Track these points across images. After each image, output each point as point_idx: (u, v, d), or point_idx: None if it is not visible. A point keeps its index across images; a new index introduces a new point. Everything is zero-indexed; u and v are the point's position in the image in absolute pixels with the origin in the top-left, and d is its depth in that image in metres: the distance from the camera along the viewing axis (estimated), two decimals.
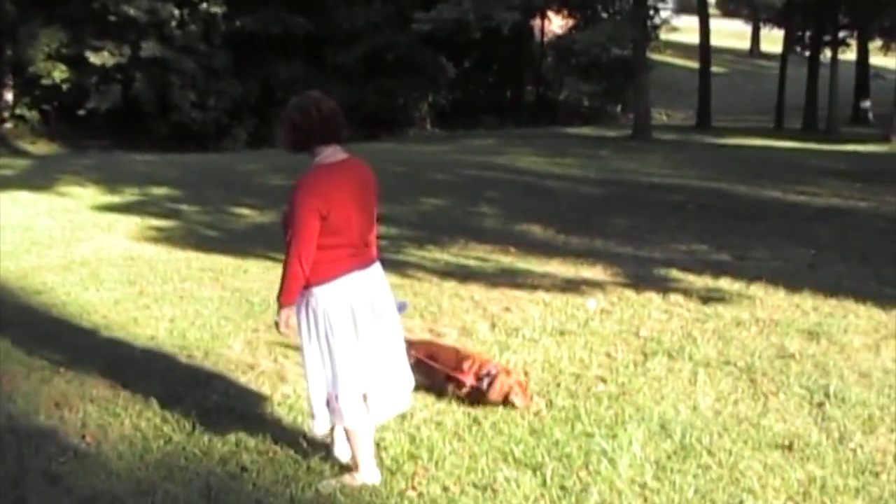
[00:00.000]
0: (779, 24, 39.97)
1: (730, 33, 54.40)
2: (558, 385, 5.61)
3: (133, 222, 11.80)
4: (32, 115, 32.52)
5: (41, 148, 31.00)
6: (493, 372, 5.20)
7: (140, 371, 5.86)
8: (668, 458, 4.57)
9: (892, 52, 38.20)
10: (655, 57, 37.45)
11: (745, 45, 56.64)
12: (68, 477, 4.41)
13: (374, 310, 4.19)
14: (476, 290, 8.00)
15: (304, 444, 4.72)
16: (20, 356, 6.16)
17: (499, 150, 22.09)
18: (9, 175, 16.99)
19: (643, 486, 4.29)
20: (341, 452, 4.47)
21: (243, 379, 5.78)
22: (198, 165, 19.33)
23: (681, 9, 45.78)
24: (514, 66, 39.61)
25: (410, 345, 5.59)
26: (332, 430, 4.47)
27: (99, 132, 31.41)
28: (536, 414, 5.11)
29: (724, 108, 35.98)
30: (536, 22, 38.11)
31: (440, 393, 5.32)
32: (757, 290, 7.93)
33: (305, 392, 4.40)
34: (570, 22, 36.99)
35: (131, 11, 30.24)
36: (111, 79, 31.29)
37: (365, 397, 4.21)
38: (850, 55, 34.94)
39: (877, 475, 4.41)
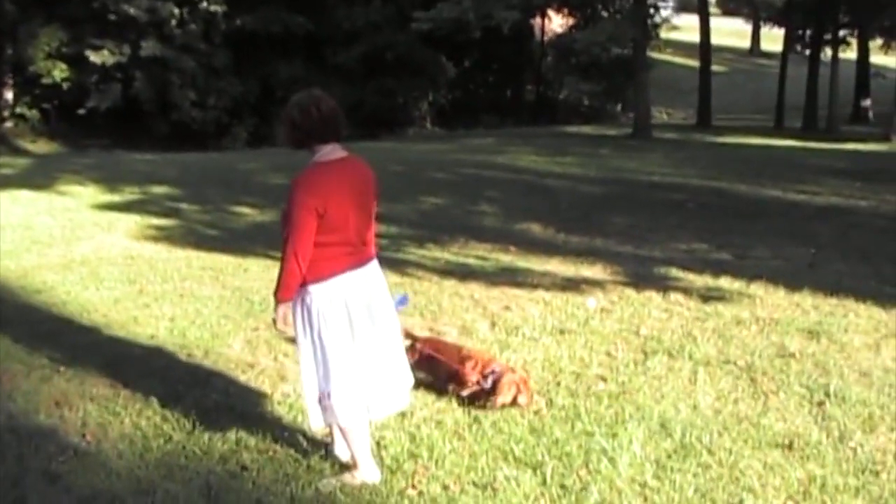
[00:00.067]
0: (779, 23, 39.92)
1: (730, 32, 54.37)
2: (558, 384, 5.61)
3: (133, 221, 11.80)
4: (32, 114, 32.52)
5: (41, 147, 30.99)
6: (497, 370, 5.20)
7: (140, 370, 5.86)
8: (669, 456, 4.57)
9: (893, 50, 38.13)
10: (655, 56, 37.47)
11: (745, 43, 56.61)
12: (68, 476, 4.41)
13: (370, 309, 4.20)
14: (476, 289, 8.00)
15: (304, 443, 4.72)
16: (20, 355, 6.16)
17: (499, 150, 22.09)
18: (9, 174, 16.99)
19: (643, 484, 4.29)
20: (341, 451, 4.47)
21: (243, 378, 5.78)
22: (198, 164, 19.33)
23: (681, 7, 45.81)
24: (514, 66, 39.58)
25: (415, 339, 5.62)
26: (331, 428, 4.47)
27: (99, 131, 31.40)
28: (536, 413, 5.11)
29: (724, 106, 35.97)
30: (536, 21, 38.09)
31: (441, 391, 5.32)
32: (757, 288, 7.93)
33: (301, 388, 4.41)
34: (571, 21, 36.99)
35: (131, 10, 30.23)
36: (111, 78, 31.28)
37: (359, 396, 4.21)
38: (850, 54, 34.91)
39: (877, 474, 4.42)
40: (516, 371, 5.30)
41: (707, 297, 7.68)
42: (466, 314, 7.22)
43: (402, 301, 4.75)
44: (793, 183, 15.13)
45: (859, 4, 30.40)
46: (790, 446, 4.71)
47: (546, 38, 39.46)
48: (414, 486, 4.27)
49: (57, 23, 30.92)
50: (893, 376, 5.77)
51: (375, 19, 32.67)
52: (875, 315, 7.14)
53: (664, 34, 37.72)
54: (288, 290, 4.11)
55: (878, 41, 37.83)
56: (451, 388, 5.28)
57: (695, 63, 35.50)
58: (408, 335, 5.57)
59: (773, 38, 47.65)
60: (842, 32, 33.30)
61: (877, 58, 37.91)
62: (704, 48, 32.92)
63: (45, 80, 31.15)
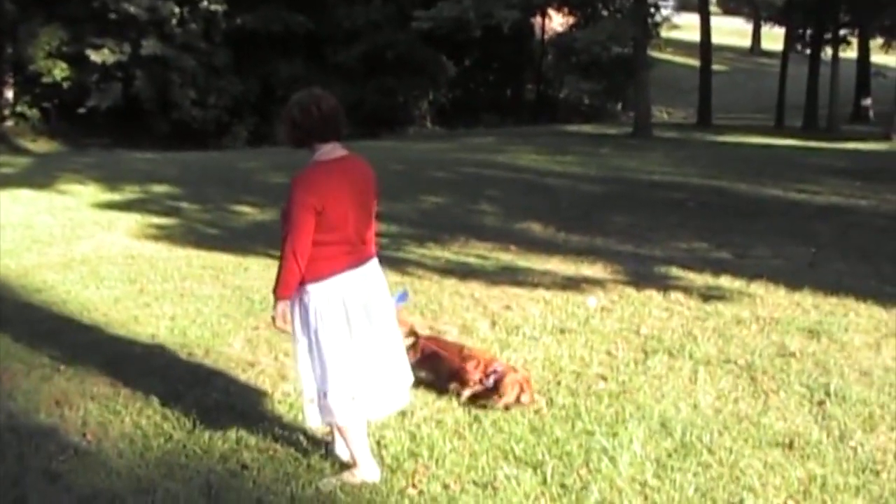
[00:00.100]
0: (780, 22, 39.91)
1: (731, 31, 54.36)
2: (559, 383, 5.61)
3: (133, 220, 11.79)
4: (33, 113, 32.52)
5: (42, 146, 30.99)
6: (499, 370, 5.20)
7: (140, 369, 5.86)
8: (669, 456, 4.57)
9: (893, 50, 38.09)
10: (656, 55, 37.46)
11: (745, 42, 56.58)
12: (68, 475, 4.41)
13: (368, 309, 4.20)
14: (476, 288, 7.99)
15: (305, 442, 4.72)
16: (20, 354, 6.16)
17: (499, 149, 22.08)
18: (9, 173, 16.99)
19: (643, 484, 4.29)
20: (342, 450, 4.47)
21: (244, 377, 5.78)
22: (198, 163, 19.32)
23: (681, 6, 45.77)
24: (514, 65, 39.56)
25: (418, 337, 5.62)
26: (331, 427, 4.47)
27: (99, 130, 31.40)
28: (537, 412, 5.11)
29: (724, 105, 35.95)
30: (537, 20, 38.07)
31: (442, 390, 5.32)
32: (757, 288, 7.93)
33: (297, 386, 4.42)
34: (571, 20, 36.96)
35: (132, 9, 30.23)
36: (111, 77, 31.27)
37: (355, 396, 4.22)
38: (850, 53, 34.89)
39: (877, 473, 4.42)
40: (518, 370, 5.30)
41: (707, 296, 7.68)
42: (467, 313, 7.22)
43: (403, 297, 4.75)
44: (793, 182, 15.12)
45: (860, 4, 30.38)
46: (790, 445, 4.71)
47: (546, 37, 39.44)
48: (414, 485, 4.27)
49: (57, 22, 30.92)
50: (894, 375, 5.77)
51: (376, 18, 32.67)
52: (875, 314, 7.14)
53: (665, 33, 37.68)
54: (287, 287, 4.12)
55: (879, 40, 37.80)
56: (452, 386, 5.28)
57: (695, 62, 35.48)
58: (412, 332, 5.58)
59: (773, 38, 47.64)
60: (842, 31, 33.29)
61: (877, 57, 37.89)
62: (705, 47, 32.90)
63: (46, 79, 31.15)
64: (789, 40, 35.40)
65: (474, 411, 5.10)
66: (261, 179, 15.84)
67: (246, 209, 12.84)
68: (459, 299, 7.65)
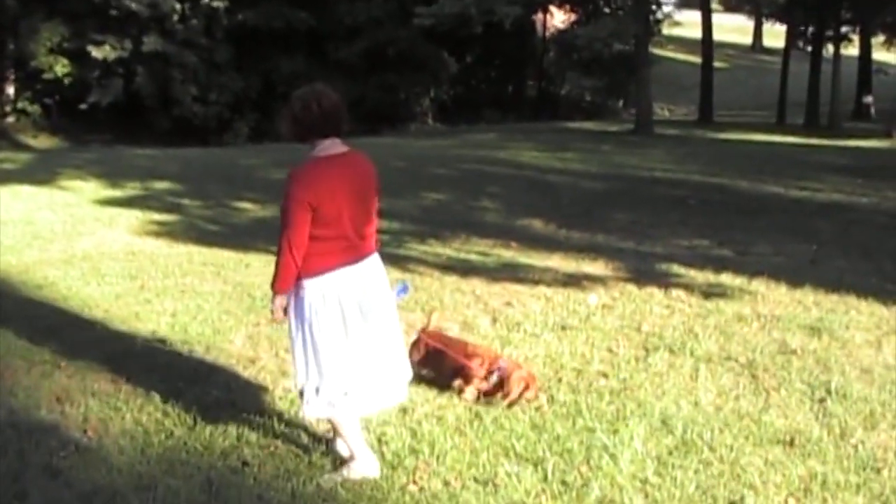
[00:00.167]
0: (781, 20, 39.80)
1: (732, 28, 54.25)
2: (559, 380, 5.61)
3: (134, 216, 11.80)
4: (34, 109, 32.51)
5: (43, 142, 30.99)
6: (504, 367, 5.20)
7: (141, 365, 5.86)
8: (670, 453, 4.57)
9: (895, 47, 38.06)
10: (657, 52, 37.38)
11: (747, 40, 56.50)
12: (69, 471, 4.42)
13: (363, 306, 4.21)
14: (477, 285, 7.99)
15: (306, 439, 4.73)
16: (21, 350, 6.16)
17: (500, 145, 22.08)
18: (10, 169, 16.99)
19: (644, 481, 4.29)
20: (342, 447, 4.47)
21: (245, 373, 5.78)
22: (199, 160, 19.32)
23: (683, 3, 45.68)
24: (515, 61, 39.52)
25: (422, 333, 5.62)
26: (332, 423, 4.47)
27: (100, 126, 31.39)
28: (538, 409, 5.11)
29: (726, 103, 35.90)
30: (538, 16, 38.00)
31: (444, 387, 5.32)
32: (758, 285, 7.92)
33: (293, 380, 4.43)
34: (572, 17, 36.88)
35: (133, 6, 30.20)
36: (113, 73, 31.26)
37: (348, 391, 4.22)
38: (852, 50, 34.84)
39: (878, 471, 4.41)
40: (522, 367, 5.30)
41: (708, 293, 7.68)
42: (468, 310, 7.22)
43: (404, 289, 4.73)
44: (794, 179, 15.12)
45: (861, 1, 30.34)
46: (791, 443, 4.71)
47: (548, 34, 39.39)
48: (415, 482, 4.27)
49: (58, 18, 30.90)
50: (895, 373, 5.77)
51: (377, 15, 32.63)
52: (876, 312, 7.14)
53: (666, 30, 37.62)
54: (283, 282, 4.15)
55: (881, 38, 37.73)
56: (456, 383, 5.28)
57: (697, 59, 35.42)
58: (423, 331, 5.61)
59: (775, 35, 47.55)
60: (844, 29, 33.22)
61: (879, 54, 37.83)
62: (706, 44, 32.85)
63: (47, 76, 31.14)
64: (791, 37, 35.33)
65: (475, 408, 5.10)
66: (262, 176, 15.83)
67: (247, 206, 12.84)
68: (460, 296, 7.64)
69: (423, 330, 5.70)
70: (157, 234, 10.66)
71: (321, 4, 32.75)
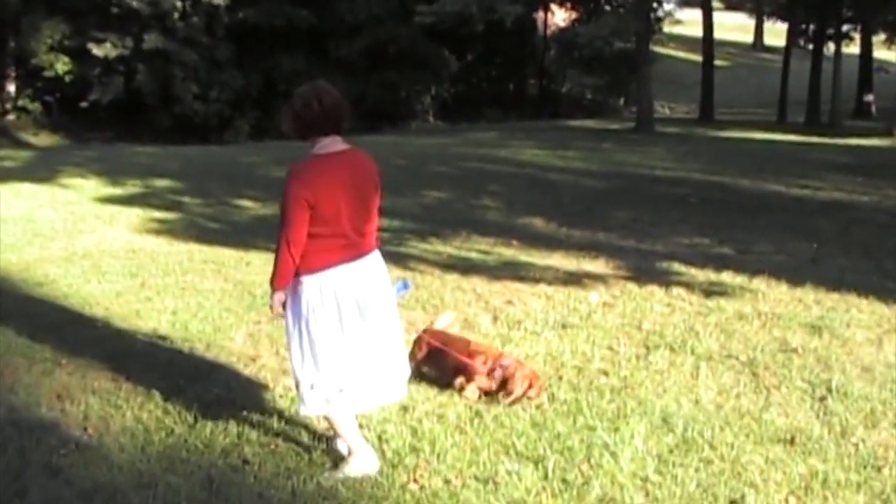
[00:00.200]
0: (782, 18, 39.77)
1: (733, 26, 54.22)
2: (560, 378, 5.60)
3: (135, 214, 11.80)
4: (35, 106, 32.55)
5: (43, 140, 31.01)
6: (507, 364, 5.19)
7: (142, 363, 5.86)
8: (670, 451, 4.57)
9: None
10: (658, 50, 37.36)
11: (748, 38, 56.45)
12: (69, 469, 4.42)
13: (361, 303, 4.21)
14: (478, 283, 7.99)
15: (306, 437, 4.73)
16: (22, 348, 6.16)
17: (501, 143, 22.07)
18: (11, 167, 17.01)
19: (645, 479, 4.28)
20: (343, 445, 4.47)
21: (245, 371, 5.78)
22: (200, 158, 19.33)
23: (684, 2, 45.65)
24: (517, 59, 39.51)
25: (423, 332, 5.61)
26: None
27: (101, 124, 31.42)
28: (538, 407, 5.10)
29: (727, 101, 35.88)
30: (539, 15, 38.01)
31: (444, 386, 5.32)
32: (759, 283, 7.92)
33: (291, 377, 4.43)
34: (573, 15, 36.90)
35: (134, 3, 30.23)
36: (114, 71, 31.29)
37: (343, 388, 4.23)
38: (853, 49, 34.80)
39: (879, 470, 4.41)
40: (525, 365, 5.29)
41: (709, 291, 7.68)
42: (469, 308, 7.22)
43: (404, 286, 4.72)
44: (795, 178, 15.11)
45: None
46: (792, 441, 4.70)
47: (549, 32, 39.37)
48: (416, 480, 4.27)
49: (59, 15, 30.93)
50: (895, 371, 5.77)
51: (378, 12, 32.64)
52: (877, 310, 7.13)
53: (667, 28, 37.54)
54: (282, 278, 4.16)
55: (882, 36, 37.69)
56: (458, 381, 5.27)
57: (697, 57, 35.39)
58: (425, 330, 5.61)
59: (776, 33, 47.49)
60: (845, 27, 33.19)
61: (880, 53, 37.81)
62: (707, 42, 32.84)
63: (48, 73, 31.19)
64: (792, 36, 35.31)
65: (476, 406, 5.09)
66: (262, 174, 15.84)
67: (247, 203, 12.84)
68: (461, 294, 7.64)
69: (426, 329, 5.70)
70: (158, 232, 10.66)
71: (322, 2, 32.77)
